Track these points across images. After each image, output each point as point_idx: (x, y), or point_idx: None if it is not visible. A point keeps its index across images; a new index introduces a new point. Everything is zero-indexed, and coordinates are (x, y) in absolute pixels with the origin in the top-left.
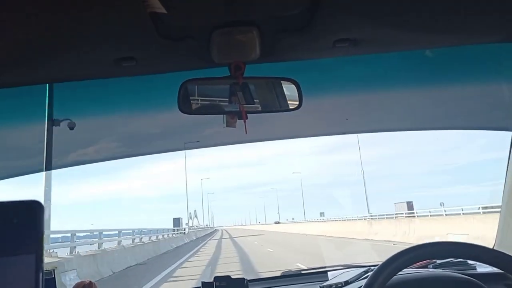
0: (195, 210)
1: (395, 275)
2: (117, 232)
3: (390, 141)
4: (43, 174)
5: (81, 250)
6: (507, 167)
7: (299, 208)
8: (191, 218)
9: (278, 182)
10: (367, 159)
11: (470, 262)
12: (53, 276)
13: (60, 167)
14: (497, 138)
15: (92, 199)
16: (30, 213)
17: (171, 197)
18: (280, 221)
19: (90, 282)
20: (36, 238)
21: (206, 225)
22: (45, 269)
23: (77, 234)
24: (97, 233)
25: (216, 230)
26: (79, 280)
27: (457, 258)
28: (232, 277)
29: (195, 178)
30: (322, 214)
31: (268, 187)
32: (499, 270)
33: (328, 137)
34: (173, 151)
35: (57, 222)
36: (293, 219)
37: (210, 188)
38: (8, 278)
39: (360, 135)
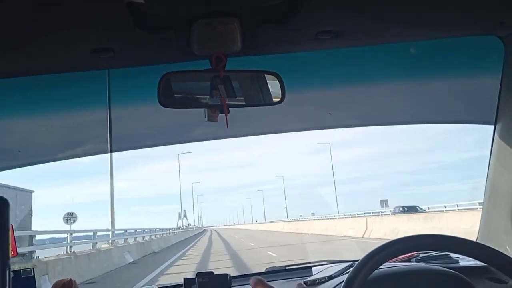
0: (184, 210)
1: (377, 268)
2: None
3: (378, 140)
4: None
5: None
6: (489, 161)
7: (287, 207)
8: (180, 218)
9: (267, 182)
10: (354, 158)
11: (452, 255)
12: (32, 274)
13: (23, 166)
14: (481, 136)
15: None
16: None
17: (161, 199)
18: (258, 221)
19: (70, 280)
20: (2, 235)
21: (188, 225)
22: (24, 268)
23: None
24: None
25: (204, 231)
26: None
27: (440, 251)
28: (215, 271)
29: (185, 180)
30: (313, 214)
31: (256, 187)
32: (481, 263)
33: (314, 137)
34: (154, 146)
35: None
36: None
37: (200, 189)
38: None
39: (346, 134)
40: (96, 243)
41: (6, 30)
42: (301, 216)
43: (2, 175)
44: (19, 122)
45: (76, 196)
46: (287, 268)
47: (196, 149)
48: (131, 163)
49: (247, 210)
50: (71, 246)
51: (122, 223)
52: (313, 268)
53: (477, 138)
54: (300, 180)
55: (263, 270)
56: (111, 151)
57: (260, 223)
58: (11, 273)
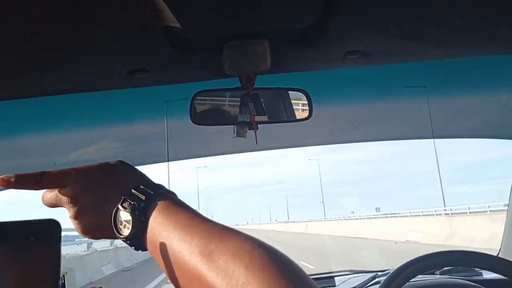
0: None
1: (407, 282)
2: None
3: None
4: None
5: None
6: None
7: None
8: None
9: (275, 183)
10: (376, 157)
11: (476, 268)
12: (63, 281)
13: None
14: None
15: None
16: (47, 232)
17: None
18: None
19: (101, 287)
20: (53, 255)
21: None
22: None
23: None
24: None
25: None
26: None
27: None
28: None
29: (195, 180)
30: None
31: (266, 188)
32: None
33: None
34: (183, 159)
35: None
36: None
37: (211, 191)
38: None
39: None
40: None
41: (47, 49)
42: (353, 212)
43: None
44: (51, 137)
45: None
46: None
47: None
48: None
49: (264, 209)
50: (91, 243)
51: None
52: (335, 278)
53: None
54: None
55: None
56: (168, 160)
57: (282, 222)
58: None
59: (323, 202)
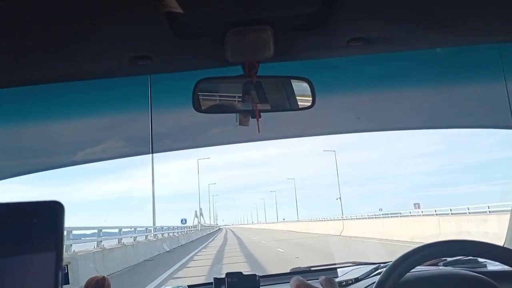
0: (200, 209)
1: (408, 272)
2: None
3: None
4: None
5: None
6: None
7: (301, 207)
8: (196, 216)
9: (283, 182)
10: (377, 159)
11: (480, 260)
12: (66, 271)
13: (68, 165)
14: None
15: (100, 198)
16: (51, 213)
17: (178, 197)
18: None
19: (104, 277)
20: (56, 237)
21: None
22: None
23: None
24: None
25: (219, 230)
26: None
27: (469, 256)
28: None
29: (201, 179)
30: (380, 209)
31: (273, 187)
32: (510, 268)
33: (334, 137)
34: (184, 149)
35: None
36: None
37: (215, 188)
38: (28, 275)
39: (370, 135)
40: (122, 238)
41: (51, 36)
42: (381, 209)
43: (36, 176)
44: (59, 124)
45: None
46: (312, 269)
47: (212, 148)
48: (147, 162)
49: (270, 208)
50: (101, 241)
51: (141, 220)
52: (338, 269)
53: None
54: (321, 180)
55: (288, 271)
56: (152, 152)
57: (291, 221)
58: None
59: (340, 198)
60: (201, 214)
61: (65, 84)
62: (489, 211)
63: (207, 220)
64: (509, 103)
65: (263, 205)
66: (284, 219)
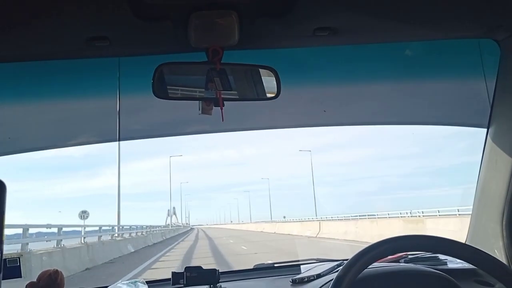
0: (174, 208)
1: (367, 268)
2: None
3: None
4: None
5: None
6: (481, 163)
7: (275, 208)
8: (169, 215)
9: (256, 182)
10: (351, 160)
11: (441, 257)
12: (18, 264)
13: (27, 151)
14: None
15: (72, 195)
16: None
17: (151, 195)
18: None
19: (57, 270)
20: None
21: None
22: (10, 257)
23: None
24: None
25: (192, 229)
26: None
27: (430, 252)
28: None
29: (174, 178)
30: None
31: (249, 187)
32: (469, 265)
33: (308, 138)
34: (145, 138)
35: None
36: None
37: (188, 187)
38: None
39: (340, 135)
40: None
41: (1, 13)
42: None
43: None
44: (14, 109)
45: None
46: (275, 265)
47: (186, 146)
48: (116, 158)
49: (244, 208)
50: (61, 240)
51: (110, 219)
52: (301, 266)
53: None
54: (294, 180)
55: (252, 267)
56: (119, 140)
57: (267, 221)
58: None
59: (314, 199)
60: (174, 213)
61: (20, 64)
62: (459, 214)
63: (179, 220)
64: (489, 100)
65: (236, 205)
66: (256, 221)
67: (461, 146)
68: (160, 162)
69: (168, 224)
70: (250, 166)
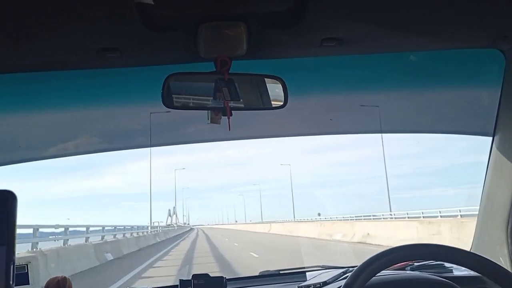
0: (174, 207)
1: (374, 276)
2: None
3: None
4: None
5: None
6: (486, 171)
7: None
8: (170, 215)
9: (259, 182)
10: (351, 160)
11: (446, 265)
12: (26, 271)
13: (37, 159)
14: (477, 142)
15: (72, 195)
16: (3, 201)
17: (152, 196)
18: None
19: (65, 277)
20: (8, 229)
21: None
22: (18, 264)
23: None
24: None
25: (191, 229)
26: None
27: (436, 261)
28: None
29: (173, 177)
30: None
31: (248, 187)
32: (475, 273)
33: (311, 138)
34: (154, 146)
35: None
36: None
37: (189, 187)
38: None
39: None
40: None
41: (15, 23)
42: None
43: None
44: (26, 118)
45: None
46: (281, 272)
47: (186, 147)
48: (121, 159)
49: (240, 209)
50: (67, 240)
51: (112, 219)
52: (307, 273)
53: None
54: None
55: (257, 274)
56: (151, 146)
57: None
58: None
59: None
60: (174, 213)
61: (33, 74)
62: (461, 215)
63: (180, 219)
64: (494, 109)
65: (239, 204)
66: (251, 220)
67: (463, 145)
68: (161, 162)
69: (169, 225)
70: (253, 166)
